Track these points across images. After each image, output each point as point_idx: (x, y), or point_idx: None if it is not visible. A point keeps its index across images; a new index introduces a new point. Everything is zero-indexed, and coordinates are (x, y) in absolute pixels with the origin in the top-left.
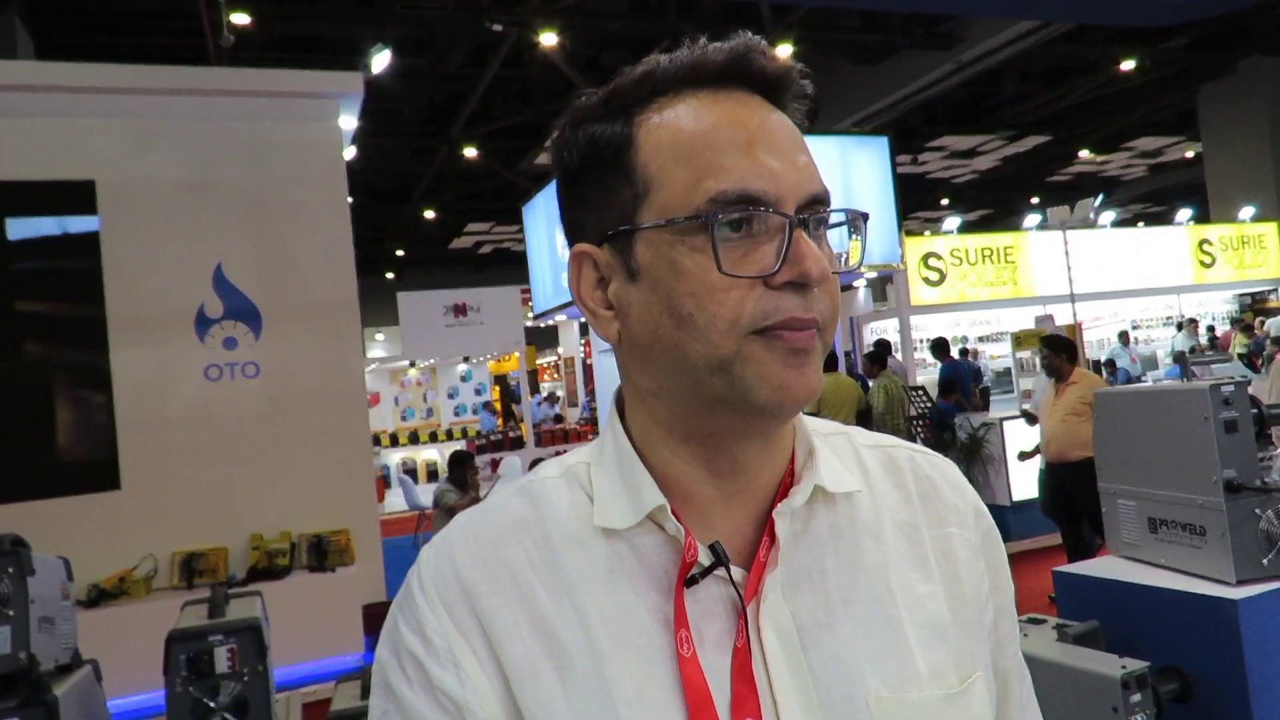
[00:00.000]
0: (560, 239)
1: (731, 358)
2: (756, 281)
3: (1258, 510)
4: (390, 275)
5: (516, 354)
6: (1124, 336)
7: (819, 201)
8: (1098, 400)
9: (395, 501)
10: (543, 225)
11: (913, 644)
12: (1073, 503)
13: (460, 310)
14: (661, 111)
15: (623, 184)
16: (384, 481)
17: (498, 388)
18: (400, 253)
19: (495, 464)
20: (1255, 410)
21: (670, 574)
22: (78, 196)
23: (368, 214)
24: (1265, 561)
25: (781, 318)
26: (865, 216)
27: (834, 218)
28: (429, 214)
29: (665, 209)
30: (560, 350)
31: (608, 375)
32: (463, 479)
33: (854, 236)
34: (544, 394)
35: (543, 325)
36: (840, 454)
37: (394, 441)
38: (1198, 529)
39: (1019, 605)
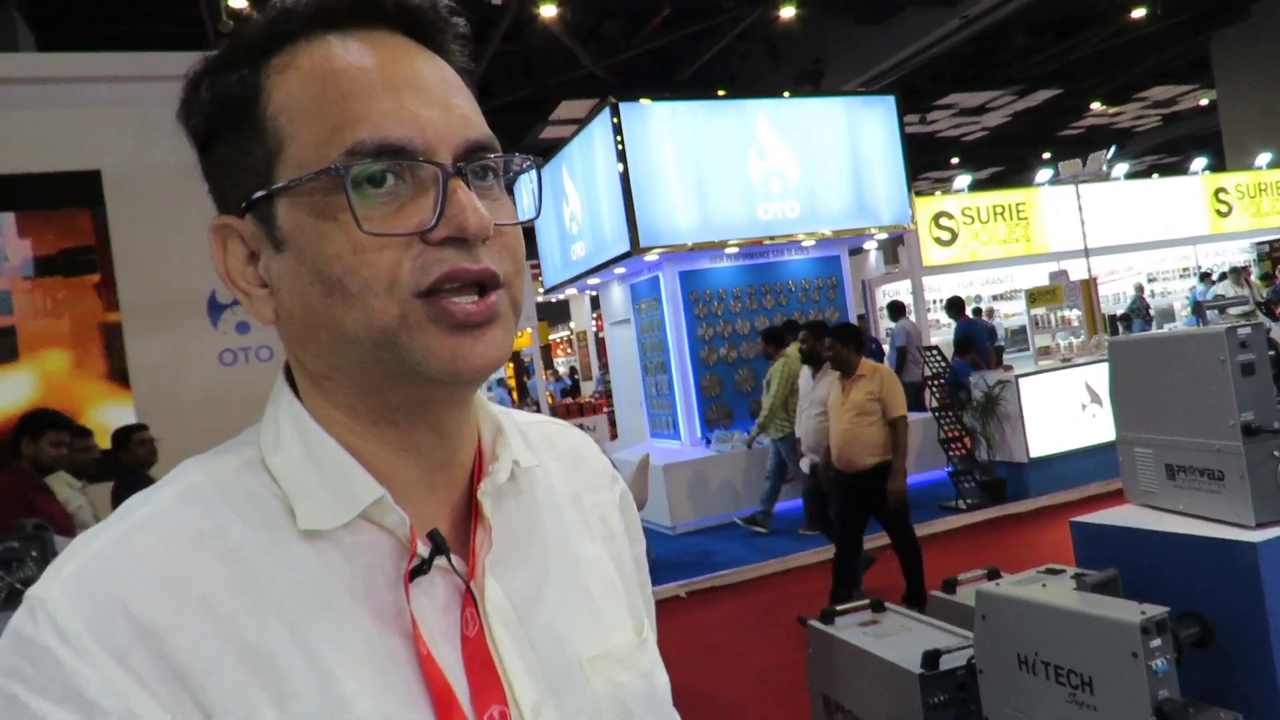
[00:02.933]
0: (568, 210)
1: (395, 326)
2: (413, 239)
3: (1276, 453)
4: None
5: (529, 329)
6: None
7: (482, 149)
8: (1111, 349)
9: None
10: (548, 197)
11: (601, 605)
12: (866, 510)
13: None
14: (293, 57)
15: (254, 142)
16: None
17: (512, 364)
18: None
19: None
20: (1273, 352)
21: (388, 571)
22: (84, 187)
23: None
24: None
25: (444, 270)
26: (533, 163)
27: (516, 172)
28: None
29: (300, 166)
30: (573, 325)
31: (620, 347)
32: None
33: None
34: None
35: (554, 300)
36: (509, 431)
37: None
38: (1216, 474)
39: (1044, 561)
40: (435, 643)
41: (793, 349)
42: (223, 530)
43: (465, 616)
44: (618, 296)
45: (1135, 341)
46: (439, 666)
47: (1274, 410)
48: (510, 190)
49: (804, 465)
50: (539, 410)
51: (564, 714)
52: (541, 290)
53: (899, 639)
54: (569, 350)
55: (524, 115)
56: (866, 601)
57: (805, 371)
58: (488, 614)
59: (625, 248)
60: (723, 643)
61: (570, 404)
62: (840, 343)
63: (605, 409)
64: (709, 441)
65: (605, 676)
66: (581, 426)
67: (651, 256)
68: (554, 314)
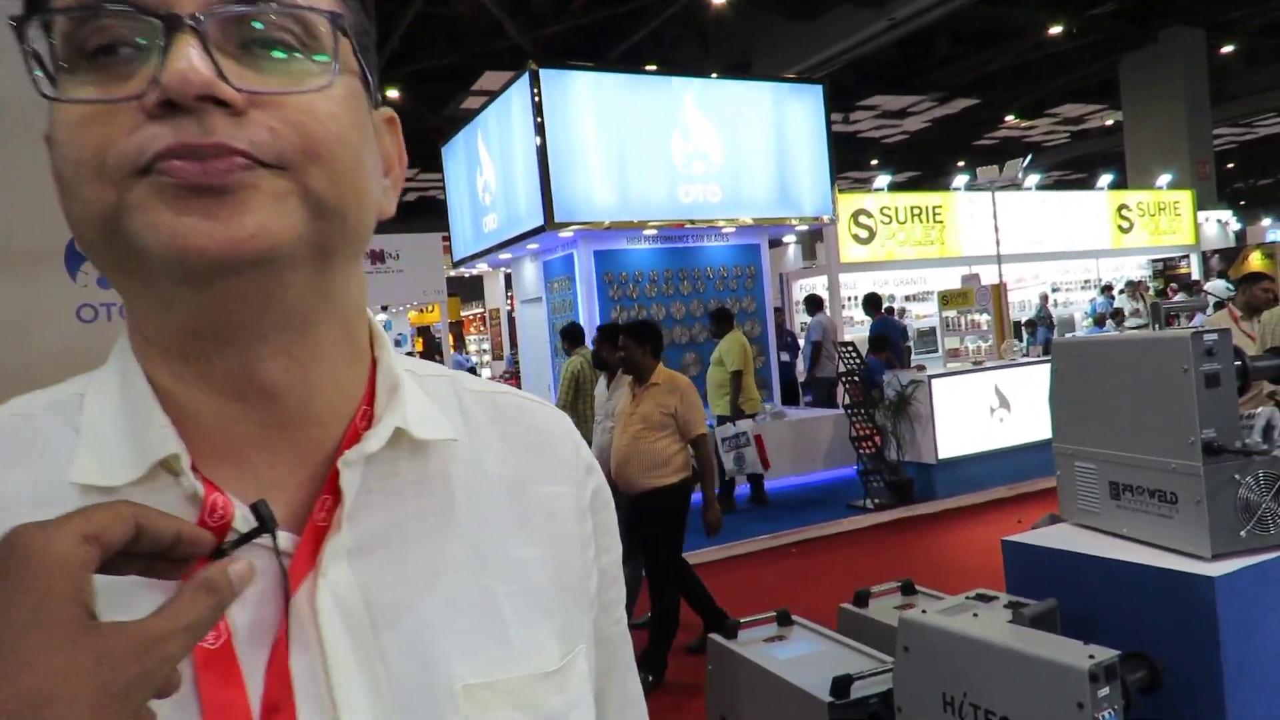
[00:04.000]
0: (481, 180)
1: (113, 212)
2: (127, 109)
3: (1237, 476)
4: None
5: (438, 304)
6: (1044, 299)
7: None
8: (1055, 350)
9: None
10: (462, 168)
11: (508, 618)
12: (650, 538)
13: (378, 257)
14: None
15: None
16: None
17: (420, 339)
18: None
19: None
20: (1239, 363)
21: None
22: None
23: None
24: (1243, 533)
25: (164, 144)
26: (332, 15)
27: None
28: None
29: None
30: (486, 302)
31: (531, 327)
32: None
33: (301, 52)
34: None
35: (466, 275)
36: (438, 397)
37: None
38: (1168, 496)
39: (952, 567)
40: (239, 637)
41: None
42: None
43: (275, 616)
44: (530, 273)
45: (1083, 343)
46: (230, 667)
47: (1237, 428)
48: (367, 79)
49: None
50: None
51: None
52: (451, 263)
53: (806, 659)
54: (481, 329)
55: (446, 84)
56: (772, 613)
57: (603, 380)
58: (319, 612)
59: (539, 222)
60: None
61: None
62: (635, 342)
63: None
64: None
65: (485, 712)
66: None
67: (566, 233)
68: (467, 290)
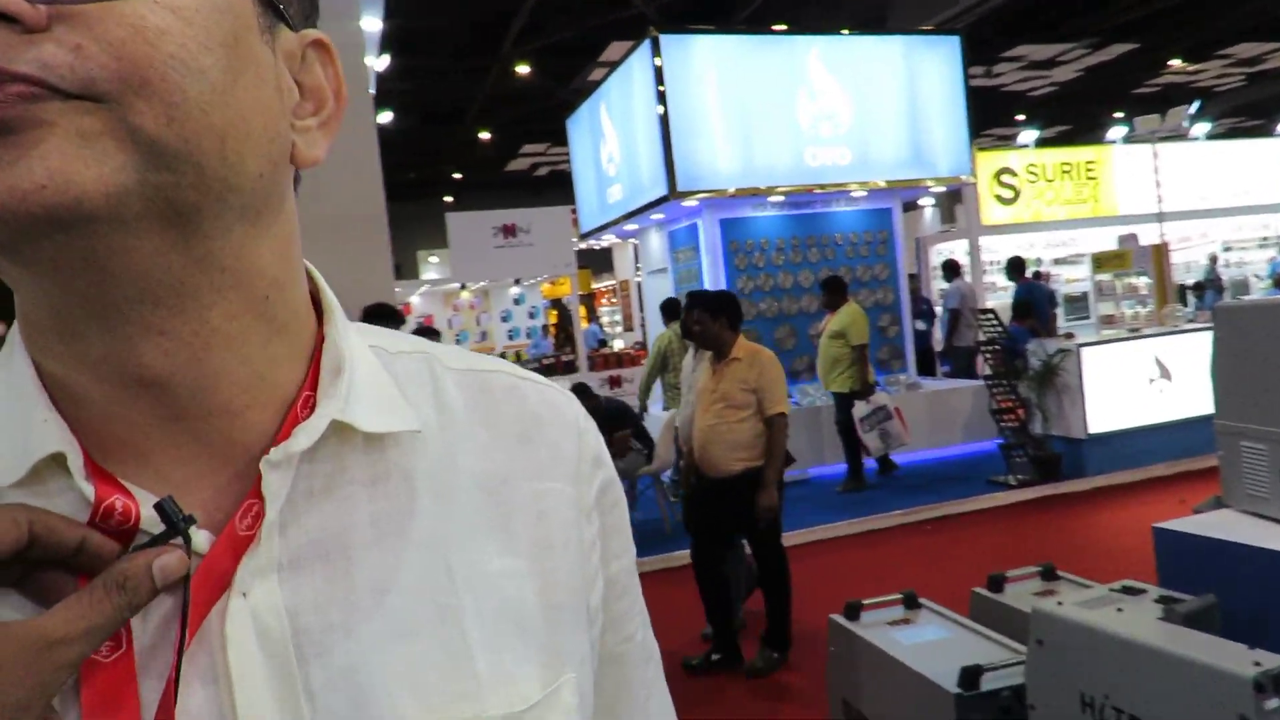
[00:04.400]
0: (605, 151)
1: None
2: None
3: None
4: (448, 199)
5: (569, 277)
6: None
7: None
8: (1217, 316)
9: None
10: (587, 138)
11: (474, 643)
12: (721, 527)
13: (509, 231)
14: None
15: None
16: None
17: (554, 311)
18: (457, 176)
19: None
20: None
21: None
22: None
23: (423, 137)
24: None
25: None
26: None
27: None
28: (484, 135)
29: None
30: (616, 273)
31: (657, 298)
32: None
33: None
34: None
35: (596, 247)
36: (408, 379)
37: None
38: None
39: (1100, 552)
40: (143, 663)
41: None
42: None
43: (177, 639)
44: (655, 244)
45: (1251, 308)
46: (126, 682)
47: None
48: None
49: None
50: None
51: None
52: (578, 235)
53: (933, 646)
54: (613, 300)
55: (573, 57)
56: (899, 595)
57: (701, 358)
58: (227, 641)
59: (663, 192)
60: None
61: (608, 354)
62: (710, 315)
63: (644, 360)
64: None
65: None
66: (618, 380)
67: (690, 202)
68: (598, 262)
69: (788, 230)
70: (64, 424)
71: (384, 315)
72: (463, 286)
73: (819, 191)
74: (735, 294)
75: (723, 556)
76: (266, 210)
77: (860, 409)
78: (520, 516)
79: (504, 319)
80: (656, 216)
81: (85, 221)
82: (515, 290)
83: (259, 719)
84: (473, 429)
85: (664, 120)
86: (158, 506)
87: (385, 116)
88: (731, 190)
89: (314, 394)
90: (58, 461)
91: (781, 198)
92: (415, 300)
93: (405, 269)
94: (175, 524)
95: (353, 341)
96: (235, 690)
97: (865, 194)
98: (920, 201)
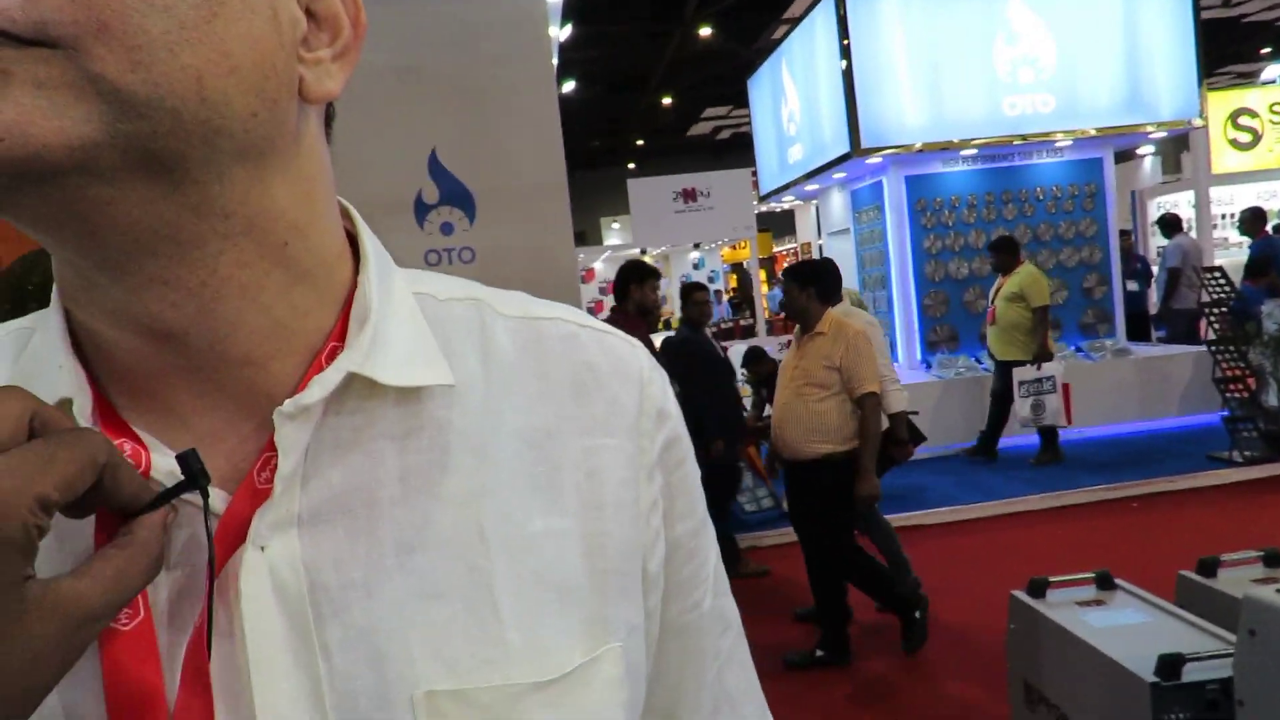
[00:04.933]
0: (786, 110)
1: None
2: None
3: None
4: (631, 165)
5: (748, 240)
6: None
7: None
8: None
9: None
10: (767, 98)
11: (504, 608)
12: (810, 516)
13: (689, 195)
14: None
15: None
16: None
17: (734, 275)
18: (640, 142)
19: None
20: None
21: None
22: None
23: (605, 104)
24: None
25: None
26: None
27: None
28: (666, 101)
29: None
30: (797, 236)
31: (838, 259)
32: (764, 376)
33: None
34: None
35: (777, 210)
36: (455, 328)
37: None
38: None
39: None
40: (163, 618)
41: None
42: None
43: (210, 594)
44: (837, 204)
45: None
46: (148, 652)
47: None
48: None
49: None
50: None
51: None
52: (758, 198)
53: (1129, 630)
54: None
55: (756, 15)
56: (1090, 574)
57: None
58: (241, 597)
59: (845, 150)
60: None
61: (784, 318)
62: (798, 285)
63: None
64: (929, 366)
65: None
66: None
67: (874, 160)
68: (779, 224)
69: (980, 186)
70: (80, 371)
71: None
72: (643, 251)
73: (1018, 143)
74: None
75: (828, 546)
76: (272, 152)
77: (1026, 372)
78: (568, 474)
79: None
80: (838, 175)
81: (52, 175)
82: (695, 254)
83: (273, 676)
84: (522, 380)
85: (847, 75)
86: (180, 459)
87: (569, 86)
88: (919, 145)
89: (341, 345)
90: (68, 408)
91: (974, 151)
92: (598, 266)
93: (589, 235)
94: (193, 476)
95: (393, 290)
96: (249, 646)
97: (1071, 144)
98: (1139, 150)
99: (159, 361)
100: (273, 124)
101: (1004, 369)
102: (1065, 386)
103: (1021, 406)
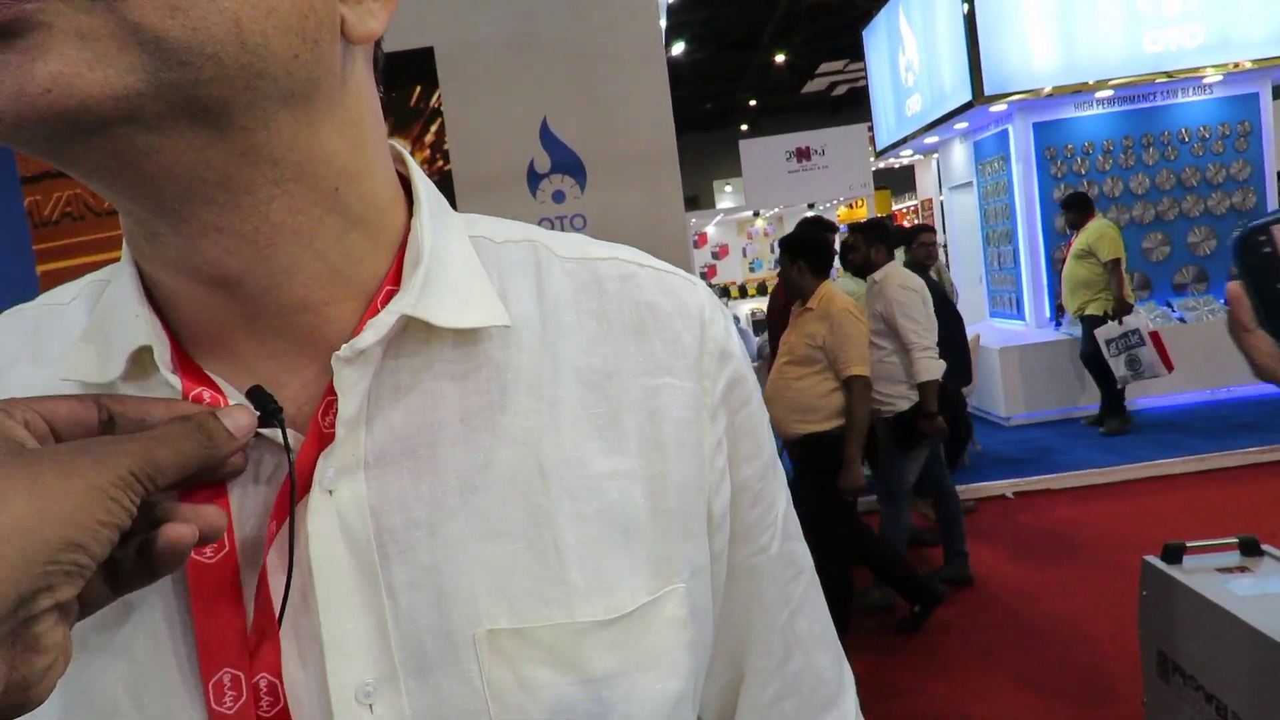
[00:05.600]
0: (903, 60)
1: None
2: None
3: None
4: (744, 127)
5: (863, 199)
6: None
7: None
8: None
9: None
10: (884, 50)
11: (566, 547)
12: (798, 499)
13: (803, 155)
14: None
15: None
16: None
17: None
18: (753, 103)
19: None
20: None
21: None
22: (420, 64)
23: (718, 66)
24: None
25: None
26: None
27: None
28: (778, 58)
29: None
30: (918, 193)
31: (960, 215)
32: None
33: None
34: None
35: (896, 166)
36: (512, 270)
37: (743, 293)
38: None
39: None
40: (248, 553)
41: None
42: (9, 365)
43: (270, 531)
44: (959, 157)
45: None
46: (215, 593)
47: None
48: None
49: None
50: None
51: (415, 712)
52: (874, 154)
53: (1278, 600)
54: (915, 221)
55: None
56: (1233, 539)
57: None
58: (309, 538)
59: (966, 98)
60: (1045, 556)
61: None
62: (788, 258)
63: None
64: (1059, 324)
65: (511, 667)
66: None
67: (998, 107)
68: (898, 181)
69: (1117, 130)
70: (155, 319)
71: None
72: (756, 214)
73: (1161, 81)
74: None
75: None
76: (318, 94)
77: (1109, 329)
78: (630, 414)
79: None
80: (960, 126)
81: (99, 126)
82: (810, 215)
83: (340, 616)
84: (580, 321)
85: (969, 17)
86: (250, 393)
87: (678, 48)
88: (1048, 89)
89: (396, 288)
90: (149, 355)
91: (1110, 93)
92: (711, 230)
93: (702, 199)
94: (267, 409)
95: (448, 233)
96: (316, 587)
97: (1221, 79)
98: None
99: (220, 309)
100: (316, 65)
101: (1086, 330)
102: (1154, 335)
103: (1115, 365)
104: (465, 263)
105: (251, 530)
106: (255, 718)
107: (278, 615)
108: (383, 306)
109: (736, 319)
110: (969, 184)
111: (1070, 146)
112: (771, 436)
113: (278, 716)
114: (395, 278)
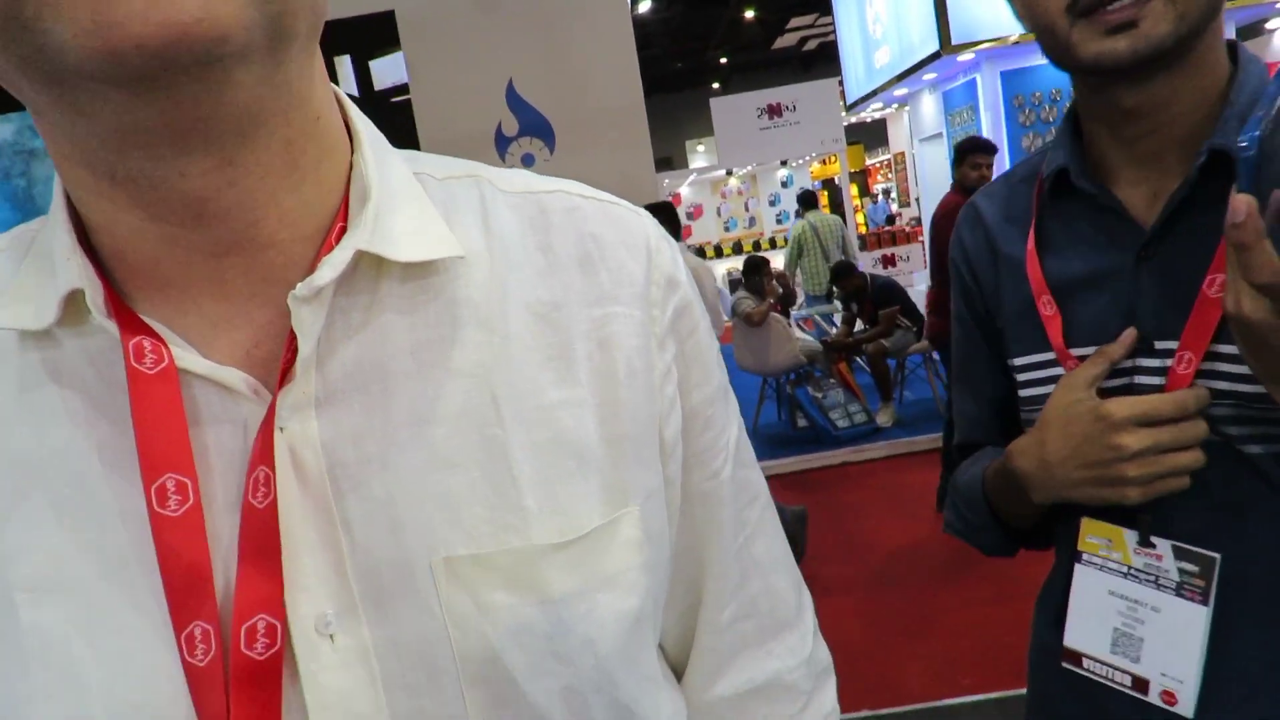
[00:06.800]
0: (871, 12)
1: None
2: None
3: None
4: (715, 85)
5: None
6: None
7: None
8: None
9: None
10: (852, 1)
11: (521, 475)
12: None
13: (775, 111)
14: None
15: None
16: None
17: (825, 192)
18: (723, 60)
19: None
20: None
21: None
22: (381, 28)
23: (687, 23)
24: None
25: None
26: None
27: None
28: (748, 14)
29: None
30: (890, 146)
31: (931, 167)
32: (758, 285)
33: None
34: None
35: (868, 120)
36: (455, 205)
37: (718, 253)
38: None
39: None
40: (214, 504)
41: None
42: None
43: (255, 478)
44: (929, 108)
45: None
46: (196, 535)
47: None
48: None
49: None
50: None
51: (376, 641)
52: (845, 109)
53: None
54: (888, 176)
55: None
56: None
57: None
58: (278, 471)
59: (934, 48)
60: None
61: (881, 233)
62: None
63: (920, 237)
64: None
65: (469, 592)
66: (893, 259)
67: (966, 56)
68: (870, 135)
69: None
70: (89, 264)
71: (753, 268)
72: (729, 172)
73: None
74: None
75: None
76: (315, 33)
77: None
78: (580, 344)
79: (771, 203)
80: (928, 77)
81: (222, 56)
82: (783, 172)
83: (297, 551)
84: (527, 255)
85: None
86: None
87: (645, 5)
88: (1014, 37)
89: (345, 224)
90: (83, 300)
91: None
92: (684, 190)
93: (676, 160)
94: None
95: (391, 169)
96: (282, 520)
97: None
98: (1268, 24)
99: (185, 250)
100: (326, 6)
101: None
102: None
103: None
104: (414, 198)
105: (217, 476)
106: (222, 664)
107: (237, 556)
108: (336, 243)
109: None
110: (939, 135)
111: (1038, 94)
112: (722, 364)
113: (244, 656)
114: (344, 215)
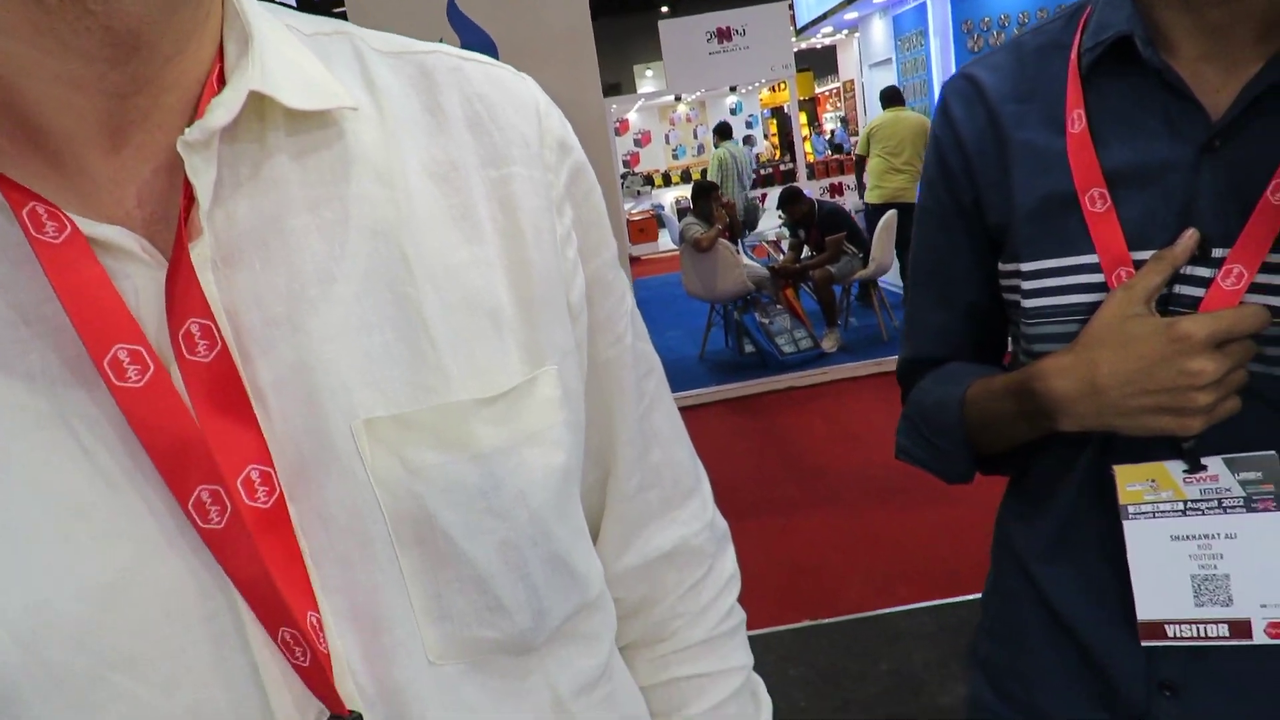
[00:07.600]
0: None
1: None
2: None
3: None
4: (665, 9)
5: (785, 81)
6: None
7: None
8: None
9: (667, 241)
10: None
11: (438, 335)
12: None
13: (724, 35)
14: None
15: None
16: (657, 221)
17: (774, 120)
18: None
19: (763, 198)
20: None
21: (37, 262)
22: None
23: None
24: None
25: None
26: None
27: None
28: None
29: None
30: (840, 74)
31: (876, 92)
32: (707, 211)
33: None
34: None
35: (819, 46)
36: (331, 60)
37: (666, 181)
38: None
39: None
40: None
41: None
42: None
43: (187, 332)
44: (879, 33)
45: None
46: (158, 410)
47: None
48: None
49: None
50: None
51: (301, 514)
52: (795, 34)
53: None
54: (837, 105)
55: None
56: None
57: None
58: (216, 320)
59: None
60: None
61: (829, 161)
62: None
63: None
64: None
65: (395, 454)
66: (840, 188)
67: None
68: (820, 62)
69: (1033, 1)
70: None
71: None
72: (678, 98)
73: None
74: None
75: None
76: None
77: None
78: (481, 205)
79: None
80: (878, 1)
81: None
82: (732, 99)
83: (215, 427)
84: (414, 114)
85: None
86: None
87: None
88: None
89: (223, 68)
90: None
91: None
92: (632, 117)
93: (624, 85)
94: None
95: (262, 17)
96: (190, 394)
97: None
98: None
99: (91, 93)
100: None
101: None
102: None
103: None
104: (293, 45)
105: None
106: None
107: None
108: (219, 85)
109: (660, 206)
110: (888, 60)
111: (987, 19)
112: (612, 234)
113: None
114: (219, 58)
